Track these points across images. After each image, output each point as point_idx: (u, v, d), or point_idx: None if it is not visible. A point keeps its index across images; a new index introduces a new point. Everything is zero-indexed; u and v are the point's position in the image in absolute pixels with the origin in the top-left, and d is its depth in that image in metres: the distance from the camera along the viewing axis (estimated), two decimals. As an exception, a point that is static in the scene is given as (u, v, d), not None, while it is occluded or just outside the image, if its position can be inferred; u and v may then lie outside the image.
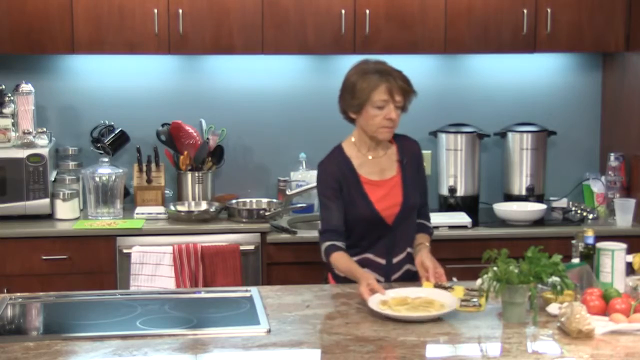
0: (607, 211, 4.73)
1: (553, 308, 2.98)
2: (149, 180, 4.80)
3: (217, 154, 4.86)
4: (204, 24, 4.55)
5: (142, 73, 4.92)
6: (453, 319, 2.93)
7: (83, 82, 4.89)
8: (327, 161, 3.43)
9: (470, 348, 2.75)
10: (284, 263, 4.40)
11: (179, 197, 4.79)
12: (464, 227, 4.49)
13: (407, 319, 2.91)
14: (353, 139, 3.44)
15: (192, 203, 4.73)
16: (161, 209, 4.63)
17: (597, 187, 4.89)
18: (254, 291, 3.28)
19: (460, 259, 4.30)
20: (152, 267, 4.31)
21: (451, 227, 4.47)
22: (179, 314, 3.08)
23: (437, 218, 4.50)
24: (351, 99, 3.31)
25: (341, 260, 3.32)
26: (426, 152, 4.97)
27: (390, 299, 3.02)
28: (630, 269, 3.24)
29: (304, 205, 4.76)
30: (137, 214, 4.59)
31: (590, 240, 3.26)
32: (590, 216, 4.69)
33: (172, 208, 4.62)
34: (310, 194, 4.80)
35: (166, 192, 4.84)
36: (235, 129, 4.94)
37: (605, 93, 5.08)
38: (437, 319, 2.92)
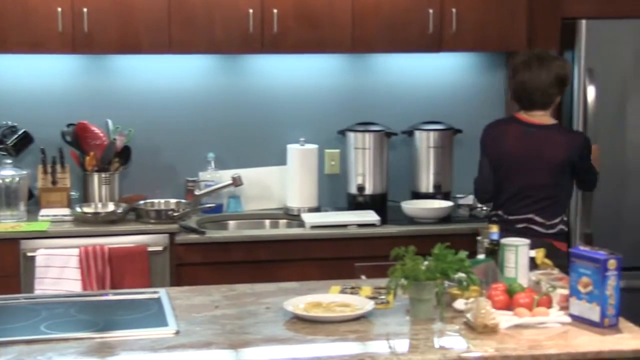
0: (511, 207, 4.81)
1: (459, 304, 3.03)
2: (54, 182, 4.72)
3: (125, 154, 4.79)
4: (109, 22, 4.49)
5: (46, 73, 4.82)
6: (361, 317, 2.95)
7: (-16, 82, 4.78)
8: None
9: (379, 345, 2.78)
10: (193, 264, 4.37)
11: (85, 198, 4.71)
12: (373, 225, 4.53)
13: (329, 319, 2.91)
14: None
15: (99, 204, 4.65)
16: (67, 211, 4.55)
17: (502, 184, 4.97)
18: (162, 293, 3.26)
19: (369, 257, 4.33)
20: (58, 270, 4.24)
21: (360, 225, 4.49)
22: (86, 317, 3.04)
23: (346, 216, 4.56)
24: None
25: None
26: (334, 151, 5.01)
27: (305, 304, 3.02)
28: (533, 264, 3.31)
29: (212, 205, 4.74)
30: (41, 216, 4.50)
31: (495, 237, 3.32)
32: (496, 213, 4.77)
33: (78, 210, 4.54)
34: (219, 193, 4.77)
35: (72, 193, 4.76)
36: (143, 129, 4.87)
37: (508, 91, 5.16)
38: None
